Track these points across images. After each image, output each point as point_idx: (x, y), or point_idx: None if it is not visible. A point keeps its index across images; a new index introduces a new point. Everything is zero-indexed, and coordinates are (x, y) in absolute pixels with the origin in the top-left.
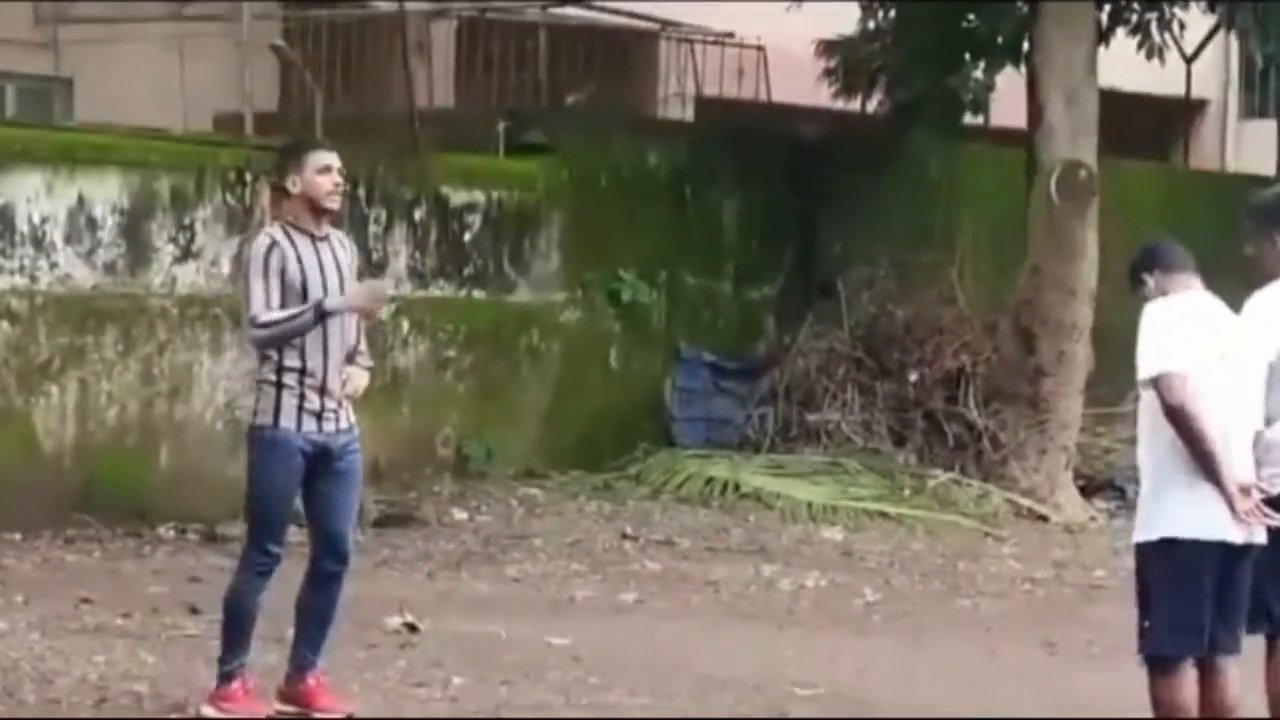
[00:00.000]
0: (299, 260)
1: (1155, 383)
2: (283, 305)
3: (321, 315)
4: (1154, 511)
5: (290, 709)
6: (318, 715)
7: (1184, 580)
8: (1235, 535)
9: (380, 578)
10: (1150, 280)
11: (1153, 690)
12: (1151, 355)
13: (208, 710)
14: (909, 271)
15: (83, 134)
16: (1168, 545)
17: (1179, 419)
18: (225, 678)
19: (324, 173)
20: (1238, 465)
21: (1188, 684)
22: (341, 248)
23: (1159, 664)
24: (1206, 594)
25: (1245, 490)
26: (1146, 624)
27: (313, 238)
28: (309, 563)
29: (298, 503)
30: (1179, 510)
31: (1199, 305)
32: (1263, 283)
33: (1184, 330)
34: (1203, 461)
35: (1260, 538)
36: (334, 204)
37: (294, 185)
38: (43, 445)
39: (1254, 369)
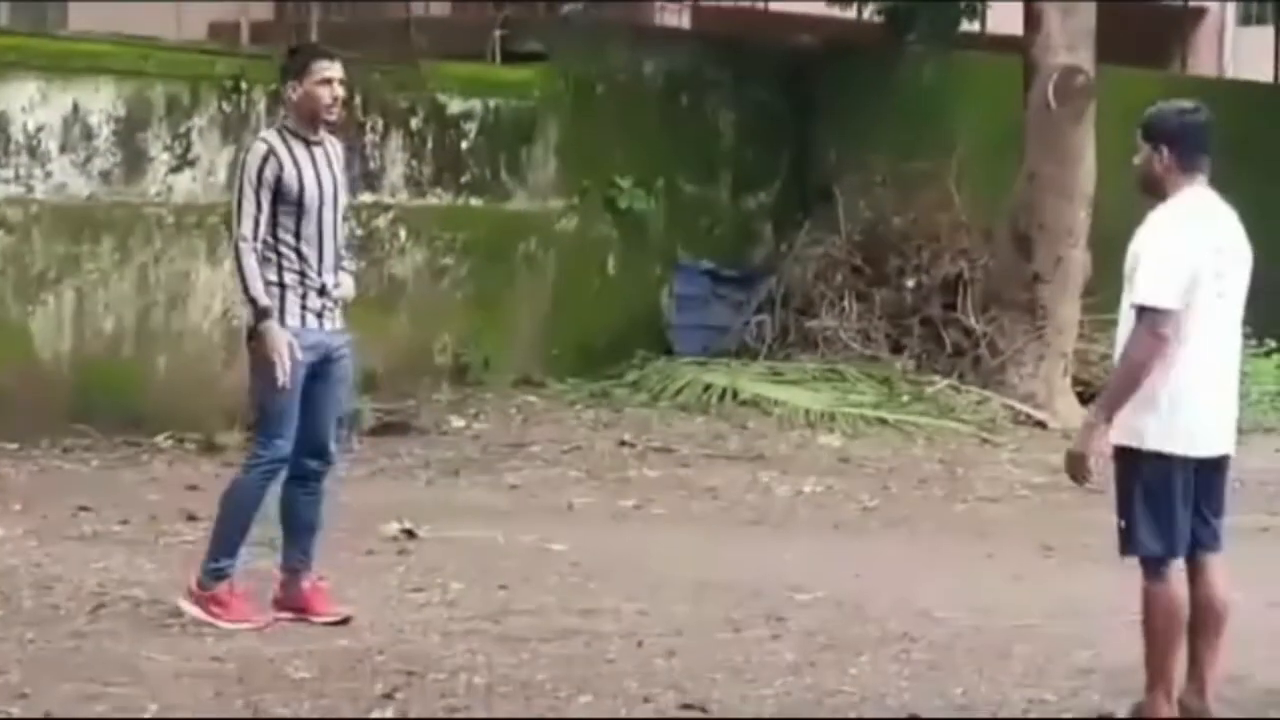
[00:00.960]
0: (295, 165)
1: (1145, 311)
2: (275, 212)
3: (257, 317)
4: (1128, 417)
5: (288, 614)
6: (316, 619)
7: (1167, 488)
8: (1217, 449)
9: (378, 485)
10: (1157, 157)
11: (1145, 592)
12: (1148, 282)
13: (187, 607)
14: (905, 178)
15: (77, 43)
16: (1140, 453)
17: (1147, 354)
18: (215, 574)
19: (324, 84)
20: (1225, 427)
21: (1180, 585)
22: (333, 148)
23: (1150, 565)
24: (1180, 501)
25: (1098, 446)
26: (1124, 525)
27: (307, 142)
28: (290, 463)
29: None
30: (1169, 422)
31: (1205, 221)
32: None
33: (1188, 257)
34: (1117, 398)
35: (1231, 448)
36: (332, 115)
37: (294, 92)
38: (40, 355)
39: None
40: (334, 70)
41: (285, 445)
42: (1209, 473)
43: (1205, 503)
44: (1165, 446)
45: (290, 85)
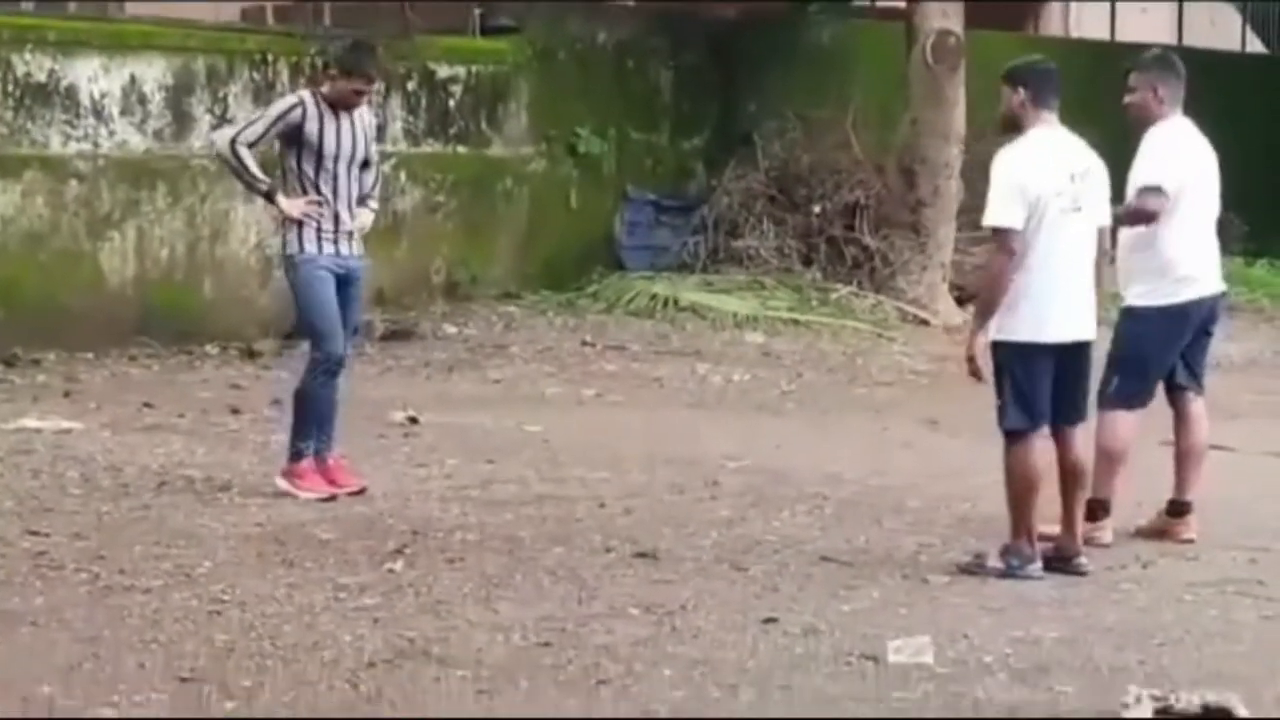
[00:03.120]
0: (320, 121)
1: (994, 232)
2: (299, 158)
3: (267, 198)
4: (1003, 316)
5: None
6: (340, 490)
7: (1026, 371)
8: (1066, 336)
9: (387, 382)
10: (1016, 96)
11: (1006, 457)
12: (994, 206)
13: (281, 483)
14: (812, 124)
15: (133, 25)
16: (1012, 344)
17: (999, 269)
18: (295, 456)
19: (357, 94)
20: (1072, 318)
21: (1034, 452)
22: (360, 117)
23: (1011, 435)
24: (1044, 381)
25: (977, 346)
26: (999, 403)
27: (334, 107)
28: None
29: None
30: (1021, 316)
31: (1053, 150)
32: (1141, 128)
33: (1029, 183)
34: (985, 308)
35: (1090, 335)
36: (349, 109)
37: (333, 81)
38: (109, 281)
39: (1104, 217)
40: (370, 87)
41: (337, 349)
42: (1069, 358)
43: (1068, 383)
44: (1024, 336)
45: (335, 72)
